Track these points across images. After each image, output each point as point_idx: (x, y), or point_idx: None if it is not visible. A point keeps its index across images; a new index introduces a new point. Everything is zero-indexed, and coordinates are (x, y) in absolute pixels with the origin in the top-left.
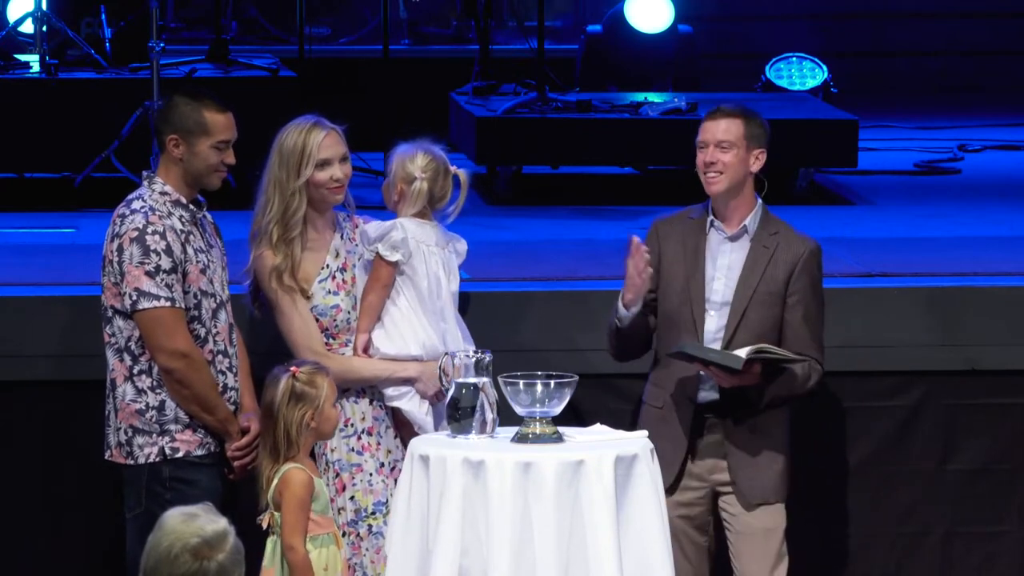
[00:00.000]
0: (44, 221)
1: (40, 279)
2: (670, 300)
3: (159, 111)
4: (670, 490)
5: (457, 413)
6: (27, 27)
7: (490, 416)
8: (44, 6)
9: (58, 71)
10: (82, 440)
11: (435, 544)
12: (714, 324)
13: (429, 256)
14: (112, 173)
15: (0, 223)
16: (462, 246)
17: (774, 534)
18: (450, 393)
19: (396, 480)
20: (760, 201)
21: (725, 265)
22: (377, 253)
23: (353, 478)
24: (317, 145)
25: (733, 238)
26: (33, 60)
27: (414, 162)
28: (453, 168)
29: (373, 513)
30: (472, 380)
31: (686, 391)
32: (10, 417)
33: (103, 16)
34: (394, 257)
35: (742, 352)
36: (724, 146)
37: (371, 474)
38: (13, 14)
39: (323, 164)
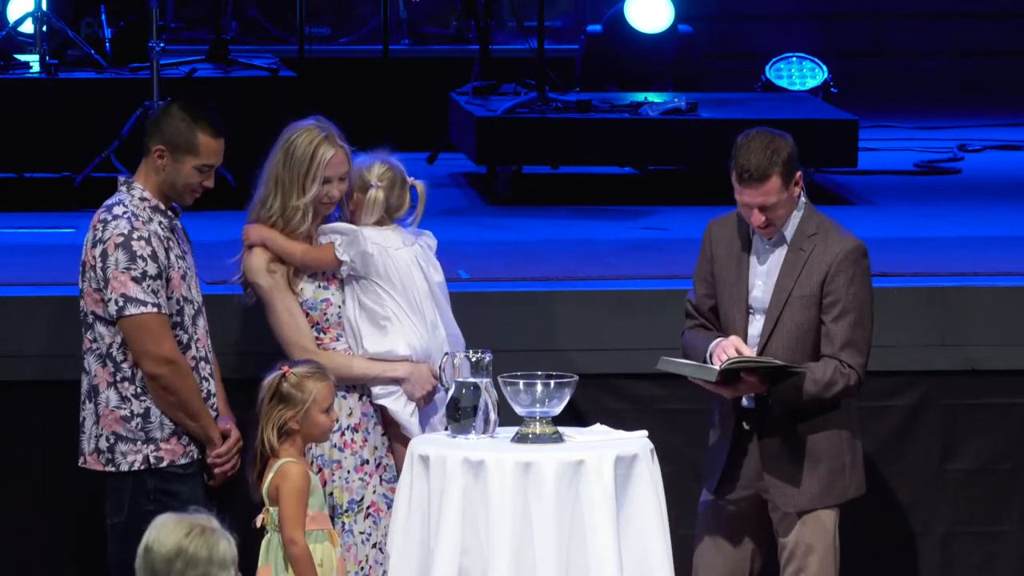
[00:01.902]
0: (44, 221)
1: (40, 279)
2: (721, 304)
3: (154, 116)
4: (717, 493)
5: (457, 413)
6: (27, 27)
7: (491, 416)
8: (44, 6)
9: (58, 71)
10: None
11: (435, 544)
12: (755, 329)
13: (397, 259)
14: (112, 173)
15: (0, 223)
16: (431, 240)
17: (815, 548)
18: (450, 393)
19: (381, 478)
20: (803, 201)
21: (765, 270)
22: (333, 243)
23: (333, 474)
24: (325, 163)
25: (774, 243)
26: (33, 60)
27: (370, 171)
28: (411, 179)
29: (347, 511)
30: (472, 380)
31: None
32: (10, 417)
33: (103, 16)
34: (344, 256)
35: (724, 363)
36: (769, 207)
37: (349, 471)
38: (13, 14)
39: (324, 181)
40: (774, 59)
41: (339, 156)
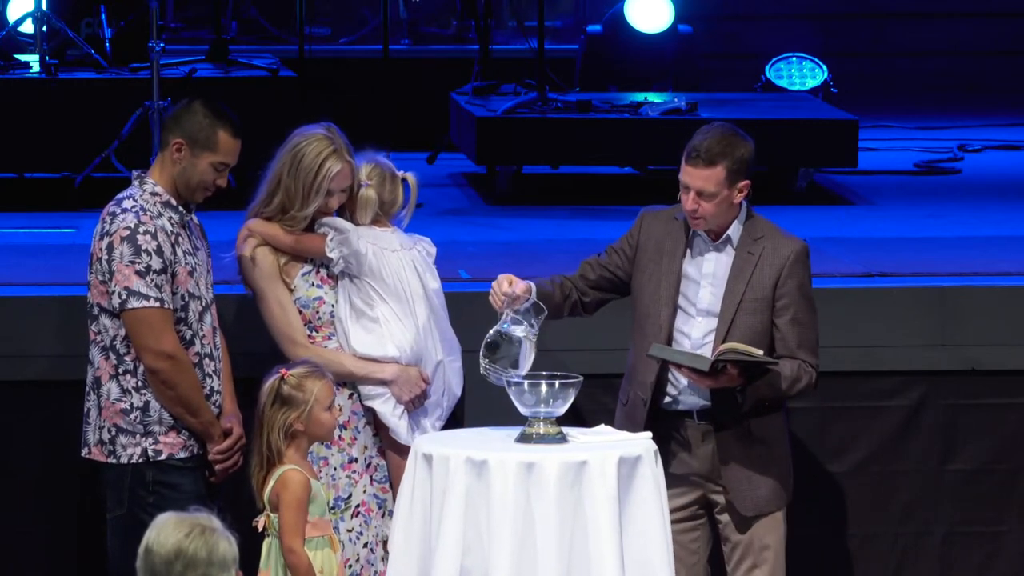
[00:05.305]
0: (44, 221)
1: (40, 279)
2: (642, 301)
3: (174, 111)
4: None
5: (496, 355)
6: (27, 27)
7: (529, 360)
8: (44, 6)
9: (58, 71)
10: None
11: (437, 543)
12: (701, 331)
13: (392, 260)
14: (112, 173)
15: (0, 223)
16: (430, 247)
17: (771, 546)
18: (502, 324)
19: (371, 478)
20: (744, 205)
21: (711, 273)
22: (326, 236)
23: (319, 471)
24: (330, 177)
25: (717, 247)
26: (33, 60)
27: (359, 172)
28: (401, 173)
29: (333, 508)
30: (522, 326)
31: (646, 392)
32: (10, 417)
33: (103, 16)
34: (333, 253)
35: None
36: (705, 196)
37: (336, 468)
38: (13, 14)
39: (327, 193)
40: (774, 59)
41: (345, 171)
